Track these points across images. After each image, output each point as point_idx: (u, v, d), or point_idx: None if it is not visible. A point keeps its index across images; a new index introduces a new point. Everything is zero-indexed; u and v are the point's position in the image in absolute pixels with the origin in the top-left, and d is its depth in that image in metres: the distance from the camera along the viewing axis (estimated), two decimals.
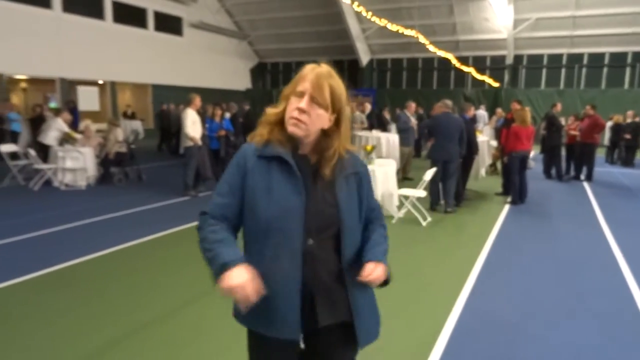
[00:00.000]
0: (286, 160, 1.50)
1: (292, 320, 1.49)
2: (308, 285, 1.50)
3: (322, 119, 1.50)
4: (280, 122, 1.54)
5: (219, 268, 1.39)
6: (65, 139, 9.42)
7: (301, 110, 1.46)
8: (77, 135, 9.57)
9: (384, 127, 12.47)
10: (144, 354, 3.11)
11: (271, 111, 1.57)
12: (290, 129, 1.49)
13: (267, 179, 1.50)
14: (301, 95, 1.48)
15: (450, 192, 7.32)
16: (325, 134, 1.53)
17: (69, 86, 17.17)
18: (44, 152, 9.37)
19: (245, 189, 1.52)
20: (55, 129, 9.44)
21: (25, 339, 3.28)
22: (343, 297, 1.55)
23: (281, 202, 1.47)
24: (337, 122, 1.53)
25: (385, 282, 1.58)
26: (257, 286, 1.38)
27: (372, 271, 1.50)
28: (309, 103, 1.47)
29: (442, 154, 7.18)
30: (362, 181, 1.64)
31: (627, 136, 13.53)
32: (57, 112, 10.45)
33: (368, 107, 12.99)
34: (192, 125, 8.04)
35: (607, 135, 14.18)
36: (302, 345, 1.65)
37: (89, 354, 3.08)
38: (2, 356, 3.06)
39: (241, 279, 1.36)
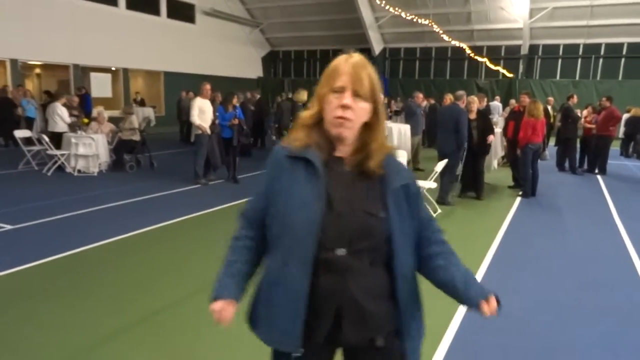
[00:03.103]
0: (312, 161, 1.38)
1: (291, 332, 1.37)
2: (336, 298, 1.37)
3: (365, 112, 1.39)
4: (317, 124, 1.43)
5: (211, 295, 1.49)
6: (77, 124, 9.49)
7: (345, 107, 1.34)
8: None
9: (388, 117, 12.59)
10: (156, 339, 3.15)
11: (306, 114, 1.46)
12: (336, 130, 1.37)
13: (290, 181, 1.40)
14: (341, 90, 1.35)
15: (444, 186, 7.28)
16: (366, 126, 1.42)
17: (83, 72, 17.29)
18: (56, 138, 9.45)
19: (272, 191, 1.44)
20: (56, 115, 9.47)
21: (42, 319, 3.35)
22: (378, 313, 1.42)
23: (297, 207, 1.36)
24: (375, 112, 1.43)
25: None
26: (224, 317, 1.45)
27: (493, 306, 1.57)
28: (352, 98, 1.35)
29: (438, 145, 7.45)
30: (413, 194, 1.51)
31: None
32: (51, 95, 10.39)
33: (381, 97, 12.97)
34: (200, 114, 8.05)
35: (622, 127, 13.90)
36: None
37: (104, 338, 3.13)
38: (18, 334, 3.13)
39: (217, 307, 1.45)
